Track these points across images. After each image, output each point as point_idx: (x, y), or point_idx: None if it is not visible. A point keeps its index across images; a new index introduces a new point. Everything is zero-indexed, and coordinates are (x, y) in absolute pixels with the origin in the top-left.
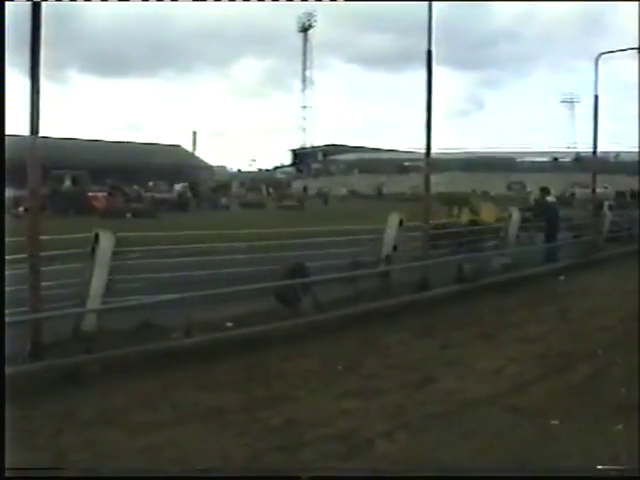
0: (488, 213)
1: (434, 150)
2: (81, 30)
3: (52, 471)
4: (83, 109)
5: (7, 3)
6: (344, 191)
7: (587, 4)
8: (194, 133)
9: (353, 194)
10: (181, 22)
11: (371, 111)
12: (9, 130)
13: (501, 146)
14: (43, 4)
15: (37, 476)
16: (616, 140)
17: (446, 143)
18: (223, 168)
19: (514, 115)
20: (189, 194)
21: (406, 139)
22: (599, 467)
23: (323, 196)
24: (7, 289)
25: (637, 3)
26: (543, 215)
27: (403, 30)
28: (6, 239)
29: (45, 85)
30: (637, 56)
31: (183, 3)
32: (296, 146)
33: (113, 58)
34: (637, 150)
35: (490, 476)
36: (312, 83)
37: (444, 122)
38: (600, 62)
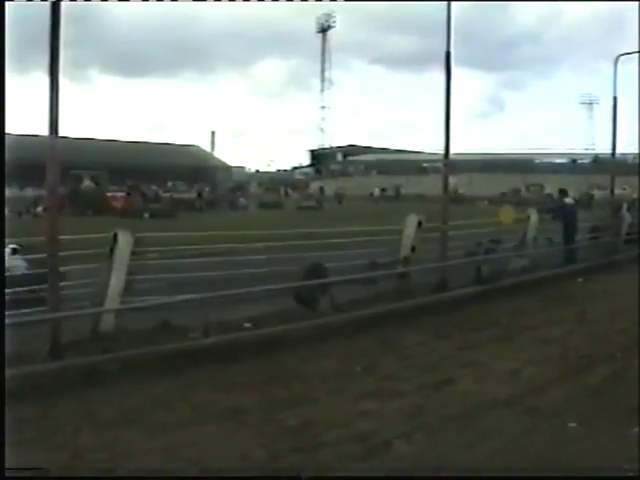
0: (506, 215)
1: (454, 151)
2: (103, 30)
3: (52, 471)
4: (105, 109)
5: (25, 3)
6: (377, 192)
7: (611, 5)
8: (212, 133)
9: (383, 195)
10: (203, 23)
11: (393, 112)
12: (28, 130)
13: (519, 147)
14: (63, 3)
15: (37, 476)
16: (635, 142)
17: (467, 145)
18: (242, 168)
19: (535, 117)
20: (205, 195)
21: (427, 140)
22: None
23: (338, 197)
24: (26, 288)
25: (637, 3)
26: (561, 216)
27: (427, 31)
28: (13, 239)
29: (67, 85)
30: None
31: (205, 3)
32: (315, 147)
33: (135, 58)
34: None
35: (507, 476)
36: (331, 84)
37: (465, 124)
38: (620, 63)
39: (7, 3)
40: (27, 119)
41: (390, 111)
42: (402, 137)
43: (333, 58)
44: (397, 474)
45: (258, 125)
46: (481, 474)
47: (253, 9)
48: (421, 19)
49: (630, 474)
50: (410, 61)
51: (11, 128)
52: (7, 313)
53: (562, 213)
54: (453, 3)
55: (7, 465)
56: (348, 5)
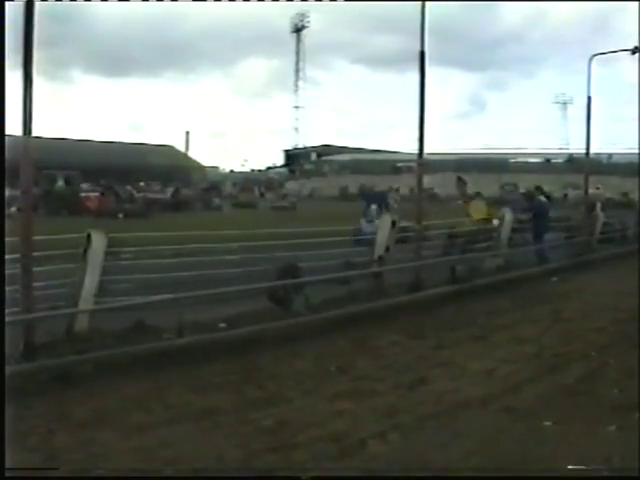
0: (478, 211)
1: (431, 151)
2: (86, 30)
3: (51, 471)
4: (88, 109)
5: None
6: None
7: (596, 5)
8: (187, 133)
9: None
10: (186, 22)
11: (374, 112)
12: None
13: (495, 147)
14: (39, 4)
15: (37, 476)
16: (610, 141)
17: (446, 144)
18: (216, 168)
19: (516, 117)
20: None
21: (407, 140)
22: (593, 468)
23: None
24: None
25: (637, 3)
26: (534, 214)
27: (410, 31)
28: (5, 239)
29: (50, 85)
30: (632, 57)
31: (188, 3)
32: (289, 146)
33: (119, 58)
34: (630, 151)
35: (482, 476)
36: (305, 83)
37: (446, 124)
38: (599, 64)
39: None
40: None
41: (371, 111)
42: (382, 137)
43: (315, 58)
44: (378, 474)
45: (237, 125)
46: (456, 474)
47: (236, 8)
48: (406, 19)
49: (630, 474)
50: (393, 61)
51: None
52: None
53: (534, 210)
54: (431, 4)
55: (7, 465)
56: (333, 5)
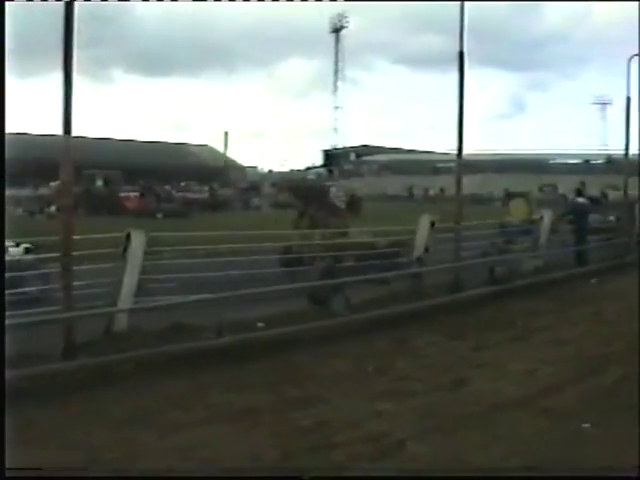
0: (518, 210)
1: (470, 152)
2: (127, 30)
3: (52, 471)
4: (128, 108)
5: (39, 3)
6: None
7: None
8: (225, 134)
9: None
10: (226, 22)
11: (415, 112)
12: (46, 130)
13: (534, 148)
14: (78, 4)
15: (37, 476)
16: None
17: (486, 145)
18: (254, 169)
19: (556, 118)
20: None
21: (446, 141)
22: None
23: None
24: (40, 288)
25: (637, 3)
26: (573, 216)
27: (451, 31)
28: (6, 240)
29: (91, 85)
30: None
31: (228, 3)
32: (329, 147)
33: (159, 58)
34: None
35: (521, 476)
36: (346, 83)
37: (486, 124)
38: (634, 64)
39: (32, 2)
40: (46, 119)
41: (412, 111)
42: (423, 137)
43: (356, 58)
44: (410, 474)
45: (277, 125)
46: (495, 474)
47: (277, 9)
48: (447, 19)
49: (630, 474)
50: (434, 61)
51: (29, 128)
52: (21, 313)
53: (573, 212)
54: (472, 3)
55: (7, 465)
56: (371, 5)
